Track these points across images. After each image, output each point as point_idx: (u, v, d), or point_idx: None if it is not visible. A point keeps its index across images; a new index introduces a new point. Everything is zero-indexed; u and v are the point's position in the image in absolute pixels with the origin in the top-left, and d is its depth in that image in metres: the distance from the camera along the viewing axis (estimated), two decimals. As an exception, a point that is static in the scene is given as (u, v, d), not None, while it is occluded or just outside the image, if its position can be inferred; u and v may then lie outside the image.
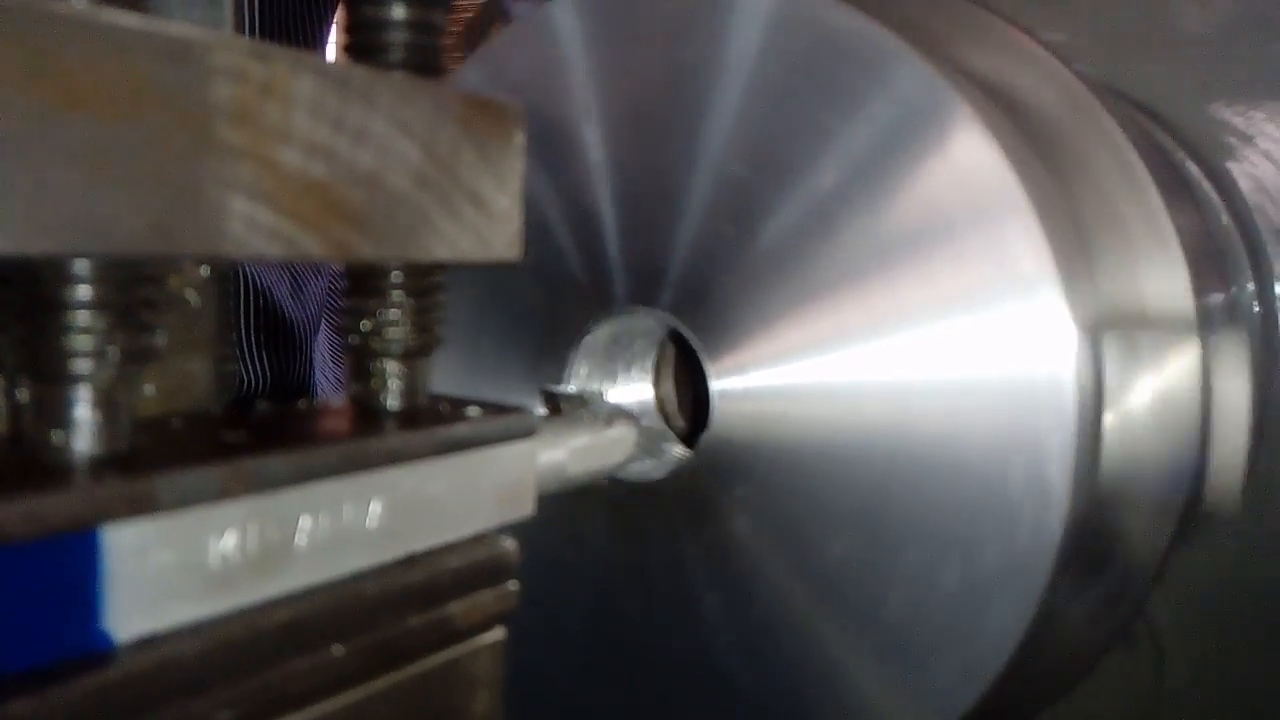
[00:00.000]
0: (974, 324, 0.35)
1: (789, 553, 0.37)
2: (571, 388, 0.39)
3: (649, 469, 0.41)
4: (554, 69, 0.42)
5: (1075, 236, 0.40)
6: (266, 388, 0.96)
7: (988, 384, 0.34)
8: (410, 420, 0.26)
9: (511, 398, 0.43)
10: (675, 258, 0.40)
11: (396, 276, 0.25)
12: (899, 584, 0.35)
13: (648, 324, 0.41)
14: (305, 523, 0.22)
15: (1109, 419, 0.38)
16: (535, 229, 0.42)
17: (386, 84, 0.22)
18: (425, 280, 0.26)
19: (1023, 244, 0.34)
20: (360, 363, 0.26)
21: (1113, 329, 0.41)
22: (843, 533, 0.36)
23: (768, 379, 0.38)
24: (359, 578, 0.24)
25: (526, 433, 0.28)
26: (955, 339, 0.35)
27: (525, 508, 0.29)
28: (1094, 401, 0.35)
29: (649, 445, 0.44)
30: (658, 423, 0.45)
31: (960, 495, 0.34)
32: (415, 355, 0.26)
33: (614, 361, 0.44)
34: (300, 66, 0.20)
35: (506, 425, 0.27)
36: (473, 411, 0.27)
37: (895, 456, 0.35)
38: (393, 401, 0.26)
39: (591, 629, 0.43)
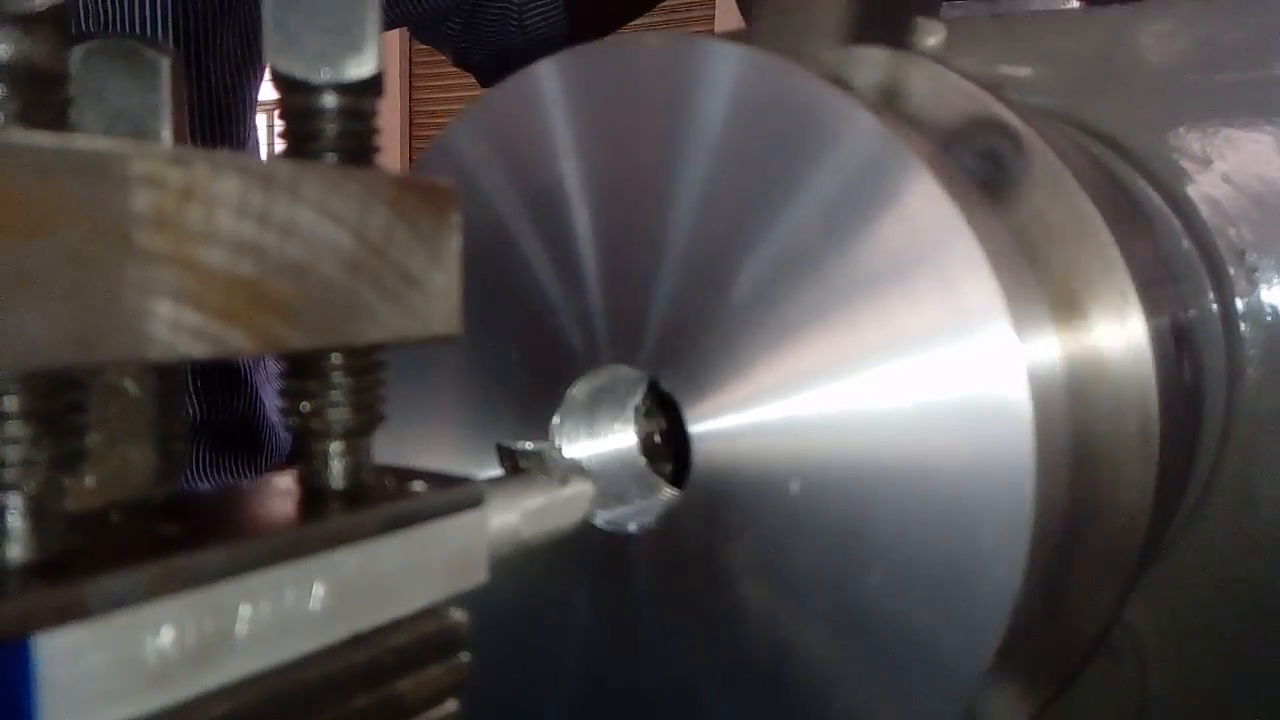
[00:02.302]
0: (931, 357, 0.36)
1: (772, 577, 0.38)
2: (528, 445, 0.39)
3: (636, 514, 0.42)
4: (538, 129, 0.43)
5: (1025, 271, 0.41)
6: (201, 421, 0.97)
7: (947, 411, 0.35)
8: (355, 499, 0.26)
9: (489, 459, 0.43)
10: (652, 313, 0.40)
11: (336, 358, 0.26)
12: (876, 598, 0.36)
13: (628, 376, 0.42)
14: (245, 611, 0.23)
15: (1064, 435, 0.39)
16: (518, 288, 0.43)
17: (313, 175, 0.23)
18: (365, 359, 0.26)
19: (972, 282, 0.35)
20: (303, 443, 0.26)
21: (1063, 352, 0.42)
22: (821, 554, 0.37)
23: (743, 419, 0.39)
24: (303, 662, 0.24)
25: (475, 502, 0.28)
26: (915, 371, 0.36)
27: (477, 576, 0.29)
28: (1049, 420, 0.36)
29: (633, 491, 0.44)
30: (642, 468, 0.45)
31: (930, 512, 0.35)
32: (357, 434, 0.26)
33: (596, 413, 0.44)
34: (221, 167, 0.21)
35: (453, 497, 0.27)
36: (417, 486, 0.27)
37: (867, 482, 0.36)
38: (337, 481, 0.26)
39: (576, 669, 0.43)
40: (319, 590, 0.24)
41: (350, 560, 0.25)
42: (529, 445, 0.39)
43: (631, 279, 0.41)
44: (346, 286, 0.23)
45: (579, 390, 0.41)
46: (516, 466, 0.38)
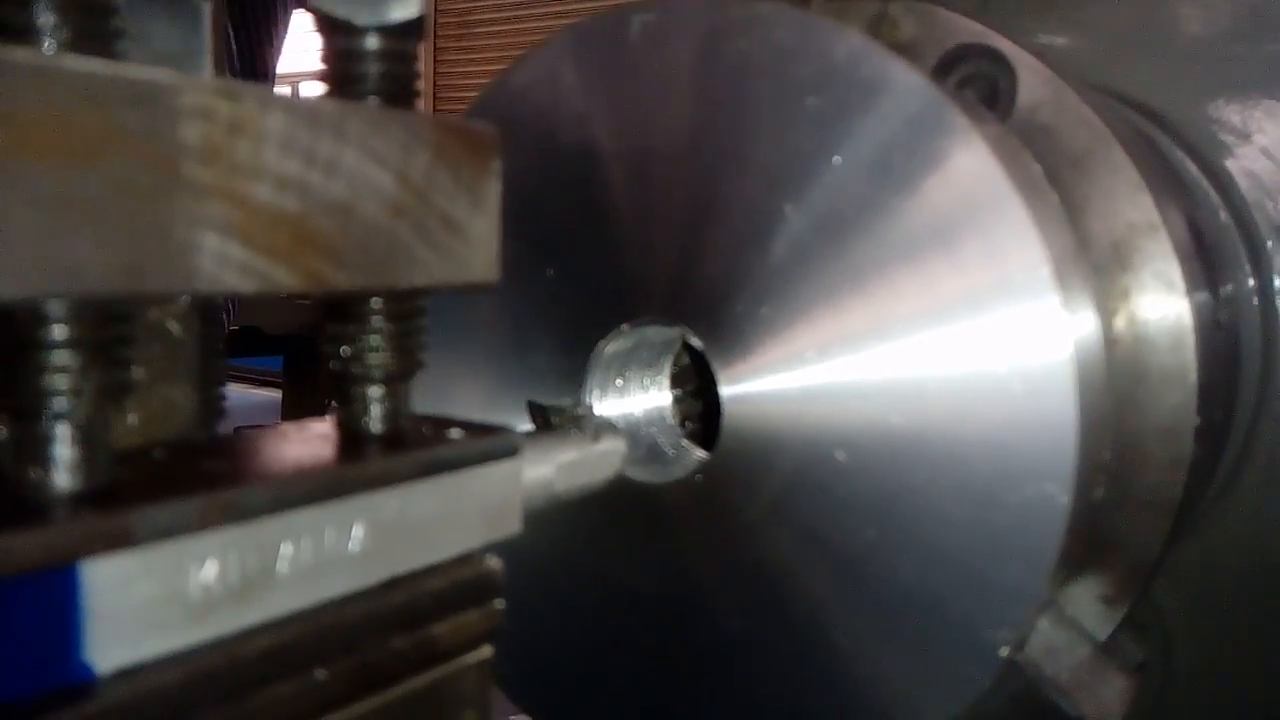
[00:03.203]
0: (976, 324, 0.35)
1: (807, 546, 0.38)
2: (564, 401, 0.39)
3: (666, 472, 0.42)
4: (571, 92, 0.43)
5: (1070, 236, 0.40)
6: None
7: (991, 379, 0.35)
8: (393, 444, 0.26)
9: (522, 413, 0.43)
10: (688, 272, 0.40)
11: (376, 302, 0.26)
12: (916, 568, 0.36)
13: (662, 335, 0.42)
14: (287, 549, 0.23)
15: (1106, 403, 0.38)
16: (551, 245, 0.43)
17: (358, 115, 0.23)
18: (405, 304, 0.26)
19: (1018, 248, 0.35)
20: (342, 387, 0.26)
21: (1106, 322, 0.42)
22: (858, 524, 0.37)
23: (777, 384, 0.38)
24: (342, 602, 0.24)
25: (510, 452, 0.28)
26: (959, 339, 0.35)
27: (512, 526, 0.29)
28: (1091, 389, 0.36)
29: (662, 451, 0.44)
30: (673, 429, 0.45)
31: (973, 474, 0.35)
32: (396, 379, 0.26)
33: (628, 373, 0.44)
34: (269, 103, 0.21)
35: (490, 446, 0.28)
36: (455, 433, 0.27)
37: (906, 450, 0.36)
38: (375, 425, 0.26)
39: (606, 627, 0.44)
40: (358, 531, 0.24)
41: (389, 503, 0.25)
42: (564, 402, 0.39)
43: (667, 238, 0.41)
44: (389, 228, 0.23)
45: (611, 349, 0.41)
46: (549, 424, 0.38)
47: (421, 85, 0.26)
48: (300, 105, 0.21)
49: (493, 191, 0.26)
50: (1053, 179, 0.39)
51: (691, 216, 0.40)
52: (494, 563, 0.28)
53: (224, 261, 0.20)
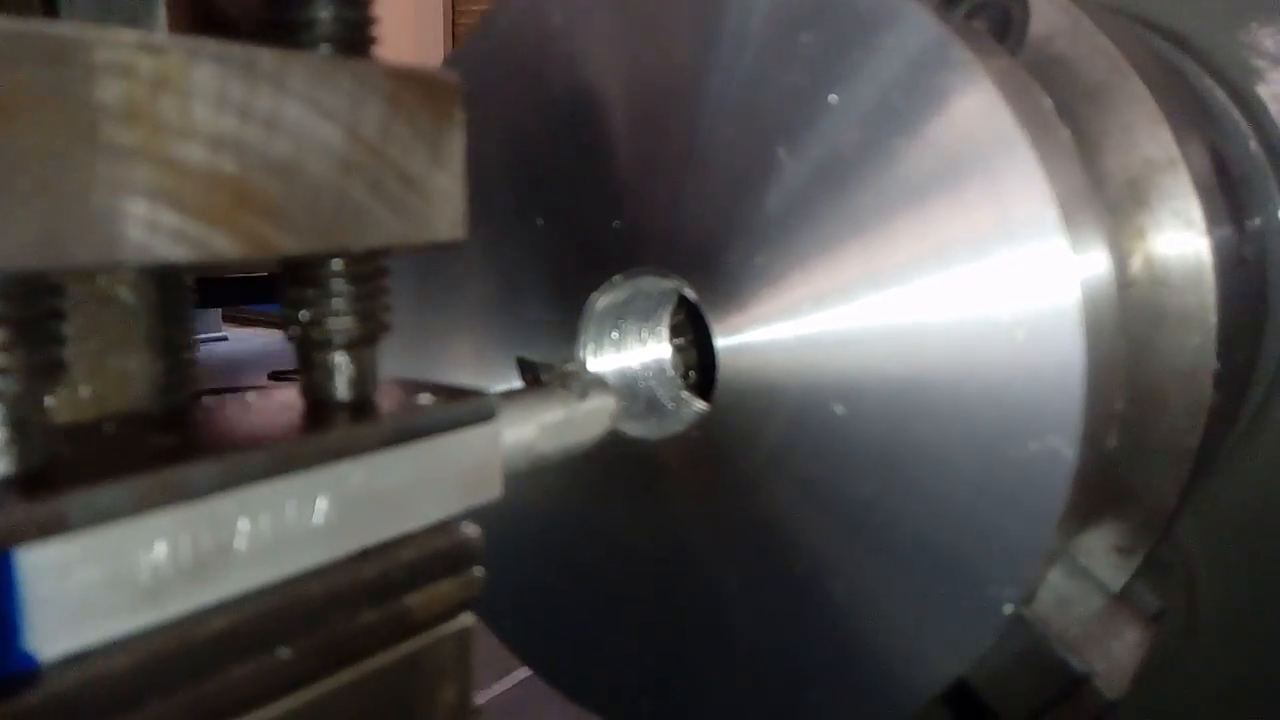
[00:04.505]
0: (978, 268, 0.34)
1: (806, 500, 0.37)
2: (557, 356, 0.38)
3: (663, 427, 0.40)
4: (560, 32, 0.41)
5: (1082, 175, 0.38)
6: None
7: (993, 326, 0.33)
8: (360, 411, 0.25)
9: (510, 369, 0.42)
10: (682, 221, 0.39)
11: (335, 264, 0.24)
12: (918, 522, 0.35)
13: (657, 286, 0.41)
14: (244, 525, 0.22)
15: (1120, 349, 0.37)
16: (541, 193, 0.41)
17: (300, 65, 0.21)
18: (367, 265, 0.25)
19: (1024, 187, 0.33)
20: (304, 354, 0.25)
21: (1121, 264, 0.40)
22: (859, 477, 0.36)
23: (773, 334, 0.37)
24: (307, 577, 0.23)
25: (486, 416, 0.27)
26: (960, 284, 0.34)
27: (491, 491, 0.28)
28: (1101, 335, 0.34)
29: (661, 404, 0.43)
30: (673, 381, 0.44)
31: (975, 426, 0.33)
32: (360, 344, 0.25)
33: (623, 325, 0.43)
34: (197, 54, 0.19)
35: (463, 410, 0.26)
36: (425, 399, 0.26)
37: (906, 400, 0.34)
38: (340, 393, 0.25)
39: (607, 582, 0.43)
40: (322, 504, 0.23)
41: (355, 474, 0.24)
42: (549, 359, 0.37)
43: (660, 185, 0.39)
44: (339, 187, 0.22)
45: (604, 301, 0.40)
46: (538, 380, 0.36)
47: (376, 32, 0.24)
48: (233, 56, 0.20)
49: (455, 144, 0.25)
50: (1065, 113, 0.37)
51: (684, 162, 0.38)
52: (470, 530, 0.27)
53: (154, 229, 0.19)
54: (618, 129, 0.40)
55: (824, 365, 0.36)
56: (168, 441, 0.22)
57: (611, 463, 0.40)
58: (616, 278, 0.39)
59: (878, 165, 0.35)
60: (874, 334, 0.35)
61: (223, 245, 0.20)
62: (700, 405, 0.42)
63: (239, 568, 0.22)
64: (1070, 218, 0.33)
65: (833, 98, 0.34)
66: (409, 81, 0.23)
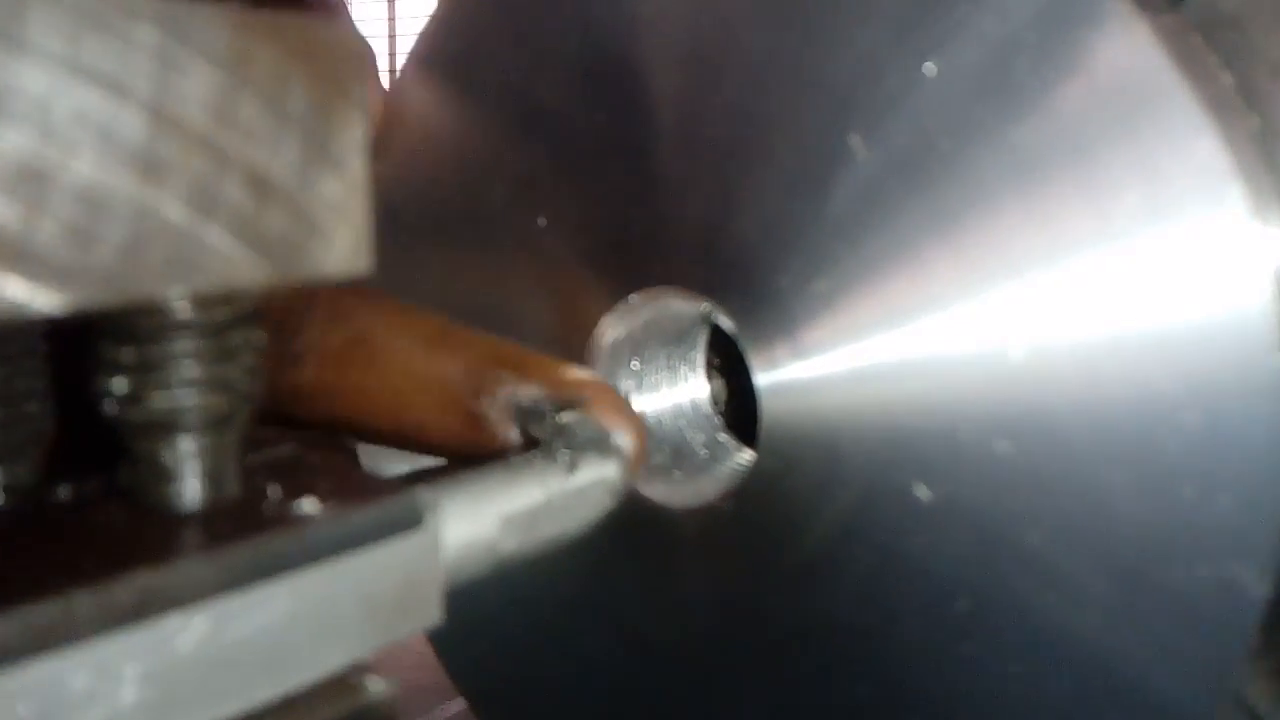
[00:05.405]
0: (1126, 260, 0.25)
1: (901, 585, 0.28)
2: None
3: (690, 492, 0.32)
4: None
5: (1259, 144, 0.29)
6: None
7: (1155, 336, 0.24)
8: (207, 530, 0.17)
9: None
10: (720, 227, 0.30)
11: (176, 310, 0.16)
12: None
13: (680, 311, 0.32)
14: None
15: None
16: (543, 187, 0.33)
17: (58, 9, 0.13)
18: (219, 310, 0.17)
19: (1196, 176, 0.24)
20: (125, 442, 0.17)
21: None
22: (1037, 522, 0.26)
23: (836, 364, 0.28)
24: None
25: (409, 523, 0.19)
26: (1115, 273, 0.25)
27: (424, 618, 0.20)
28: None
29: (692, 451, 0.34)
30: (708, 421, 0.35)
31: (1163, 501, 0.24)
32: (213, 428, 0.17)
33: (648, 351, 0.34)
34: None
35: (371, 519, 0.18)
36: (309, 506, 0.17)
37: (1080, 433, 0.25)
38: (178, 499, 0.17)
39: (610, 679, 0.35)
40: (130, 675, 0.15)
41: (188, 629, 0.16)
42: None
43: (695, 182, 0.30)
44: (135, 202, 0.14)
45: (618, 324, 0.31)
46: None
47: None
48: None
49: (352, 134, 0.16)
50: (1248, 96, 0.27)
51: (727, 153, 0.29)
52: (380, 687, 0.19)
53: None
54: (645, 105, 0.31)
55: (897, 401, 0.27)
56: None
57: (620, 527, 0.31)
58: (632, 297, 0.30)
59: (986, 151, 0.25)
60: (956, 361, 0.26)
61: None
62: (744, 455, 0.33)
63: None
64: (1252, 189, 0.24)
65: (928, 66, 0.25)
66: (270, 36, 0.15)
